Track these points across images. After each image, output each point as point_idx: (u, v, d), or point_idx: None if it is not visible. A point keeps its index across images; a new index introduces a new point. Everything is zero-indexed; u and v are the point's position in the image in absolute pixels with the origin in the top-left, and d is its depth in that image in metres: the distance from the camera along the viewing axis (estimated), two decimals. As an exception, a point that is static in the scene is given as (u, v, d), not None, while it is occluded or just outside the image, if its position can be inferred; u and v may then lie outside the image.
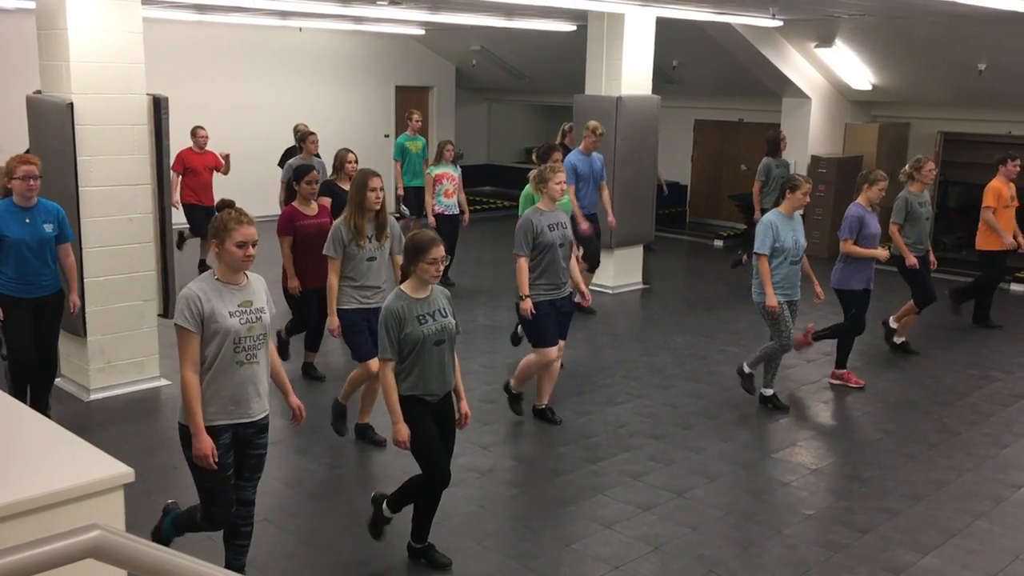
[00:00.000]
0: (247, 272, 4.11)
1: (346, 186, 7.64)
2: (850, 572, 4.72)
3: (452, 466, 5.76)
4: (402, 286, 4.47)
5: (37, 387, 6.25)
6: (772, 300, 6.72)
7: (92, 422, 6.48)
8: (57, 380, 7.21)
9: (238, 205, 4.10)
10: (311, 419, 6.68)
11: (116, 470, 2.99)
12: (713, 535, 5.09)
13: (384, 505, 4.71)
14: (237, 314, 3.97)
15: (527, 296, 6.26)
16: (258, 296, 4.09)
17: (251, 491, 4.28)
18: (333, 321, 5.95)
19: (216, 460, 3.95)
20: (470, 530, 5.12)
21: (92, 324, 6.84)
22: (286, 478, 5.78)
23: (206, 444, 3.92)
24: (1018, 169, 9.07)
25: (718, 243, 14.15)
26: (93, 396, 6.94)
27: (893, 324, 8.64)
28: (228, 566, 4.33)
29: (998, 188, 9.06)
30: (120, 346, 7.00)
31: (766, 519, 5.31)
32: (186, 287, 4.02)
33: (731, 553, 4.90)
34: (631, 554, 4.86)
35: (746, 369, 7.15)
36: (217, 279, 4.03)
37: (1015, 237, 9.03)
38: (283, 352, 7.43)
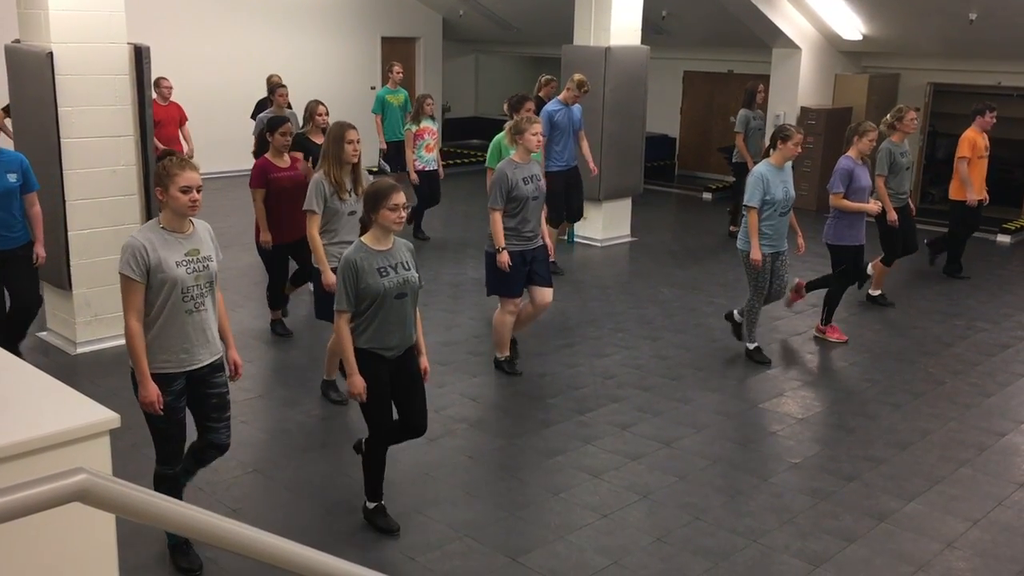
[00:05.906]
0: (192, 219, 4.07)
1: (317, 139, 7.51)
2: (835, 519, 4.77)
3: (440, 417, 5.82)
4: (362, 238, 4.38)
5: (11, 326, 6.17)
6: (756, 253, 6.70)
7: (79, 375, 6.45)
8: (43, 334, 7.18)
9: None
10: (296, 371, 6.70)
11: (101, 415, 2.94)
12: (700, 484, 5.14)
13: (366, 504, 4.67)
14: (184, 263, 3.94)
15: (503, 248, 6.24)
16: (204, 244, 4.06)
17: (225, 433, 4.28)
18: (328, 276, 5.76)
19: (164, 407, 3.98)
20: (458, 480, 5.15)
21: (77, 277, 6.79)
22: (273, 429, 5.79)
23: (152, 391, 3.94)
24: (994, 121, 9.07)
25: (707, 196, 14.10)
26: (80, 349, 6.91)
27: (875, 293, 8.64)
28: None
29: (973, 138, 9.07)
30: (106, 299, 6.95)
31: (752, 468, 5.36)
32: (131, 236, 3.98)
33: (718, 501, 4.94)
34: (619, 502, 4.90)
35: (749, 345, 7.12)
36: (163, 227, 3.98)
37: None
38: (279, 302, 7.41)
